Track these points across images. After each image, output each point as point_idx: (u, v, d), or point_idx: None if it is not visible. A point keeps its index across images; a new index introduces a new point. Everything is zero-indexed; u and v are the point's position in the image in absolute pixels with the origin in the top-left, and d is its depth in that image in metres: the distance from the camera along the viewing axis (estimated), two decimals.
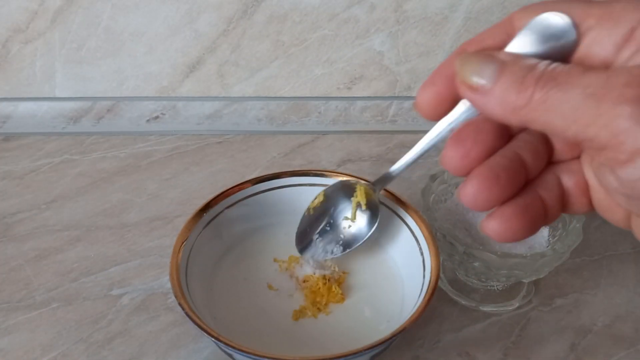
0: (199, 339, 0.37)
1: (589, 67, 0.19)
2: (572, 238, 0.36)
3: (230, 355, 0.32)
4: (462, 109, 0.23)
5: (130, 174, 0.53)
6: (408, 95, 0.59)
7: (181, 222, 0.36)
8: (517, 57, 0.20)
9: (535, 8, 0.21)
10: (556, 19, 0.20)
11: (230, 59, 0.56)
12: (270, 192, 0.40)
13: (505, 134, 0.23)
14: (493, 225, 0.22)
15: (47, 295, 0.41)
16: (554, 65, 0.19)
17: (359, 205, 0.36)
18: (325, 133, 0.59)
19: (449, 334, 0.39)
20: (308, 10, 0.54)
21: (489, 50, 0.22)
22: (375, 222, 0.36)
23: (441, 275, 0.41)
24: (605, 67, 0.20)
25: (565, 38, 0.20)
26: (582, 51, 0.21)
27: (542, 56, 0.20)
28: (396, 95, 0.59)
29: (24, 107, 0.58)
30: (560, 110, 0.19)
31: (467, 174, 0.22)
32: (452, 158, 0.22)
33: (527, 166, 0.22)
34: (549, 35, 0.21)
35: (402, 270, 0.38)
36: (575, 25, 0.20)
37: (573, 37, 0.20)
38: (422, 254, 0.36)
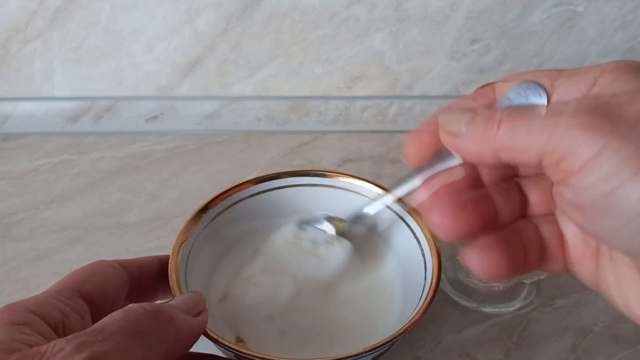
0: (198, 340, 0.36)
1: None
2: None
3: (230, 357, 0.32)
4: (442, 160, 0.26)
5: (129, 174, 0.53)
6: (409, 94, 0.59)
7: (180, 222, 0.36)
8: (489, 108, 0.24)
9: (515, 78, 0.25)
10: (533, 89, 0.24)
11: (230, 58, 0.56)
12: (270, 192, 0.40)
13: (477, 184, 0.26)
14: (475, 255, 0.24)
15: None
16: (515, 107, 0.23)
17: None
18: (325, 133, 0.59)
19: (450, 334, 0.39)
20: (308, 9, 0.54)
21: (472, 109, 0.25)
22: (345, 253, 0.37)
23: (442, 276, 0.40)
24: None
25: (538, 102, 0.23)
26: (553, 103, 0.23)
27: None
28: (397, 94, 0.59)
29: (23, 107, 0.58)
30: (522, 134, 0.21)
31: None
32: (422, 195, 0.25)
33: (497, 206, 0.25)
34: (523, 102, 0.24)
35: (403, 271, 0.38)
36: (546, 90, 0.23)
37: (544, 102, 0.23)
38: (423, 254, 0.36)
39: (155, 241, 0.45)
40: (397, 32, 0.55)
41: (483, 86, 0.26)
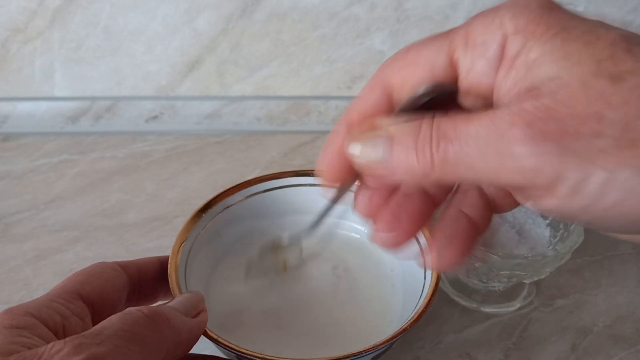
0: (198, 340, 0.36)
1: (470, 112, 0.19)
2: (574, 238, 0.36)
3: (229, 357, 0.32)
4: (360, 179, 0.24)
5: (129, 174, 0.53)
6: None
7: (180, 222, 0.36)
8: (400, 124, 0.20)
9: (401, 61, 0.22)
10: (439, 88, 0.21)
11: (230, 58, 0.56)
12: (270, 192, 0.40)
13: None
14: (432, 258, 0.23)
15: None
16: (438, 120, 0.19)
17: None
18: (325, 133, 0.58)
19: (450, 334, 0.39)
20: (308, 9, 0.54)
21: (373, 117, 0.22)
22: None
23: (442, 276, 0.40)
24: (490, 91, 0.20)
25: (446, 94, 0.21)
26: (464, 84, 0.21)
27: (426, 106, 0.21)
28: None
29: (23, 107, 0.58)
30: (464, 164, 0.19)
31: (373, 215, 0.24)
32: (360, 206, 0.24)
33: (431, 196, 0.24)
34: (430, 97, 0.21)
35: (403, 270, 0.38)
36: (455, 89, 0.21)
37: (454, 90, 0.21)
38: (423, 254, 0.36)
39: (155, 241, 0.45)
40: (397, 32, 0.55)
41: (372, 80, 0.24)
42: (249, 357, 0.29)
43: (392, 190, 0.24)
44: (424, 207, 0.24)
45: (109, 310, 0.27)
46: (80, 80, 0.57)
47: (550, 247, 0.38)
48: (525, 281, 0.39)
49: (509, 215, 0.39)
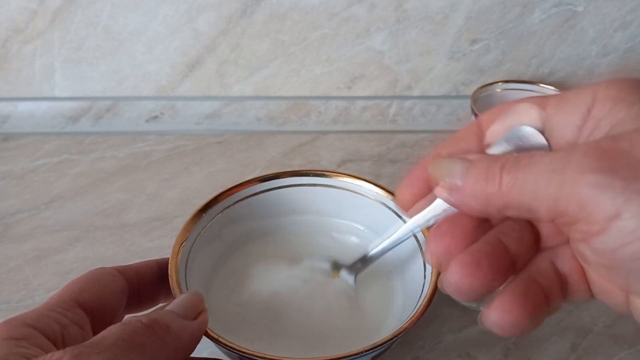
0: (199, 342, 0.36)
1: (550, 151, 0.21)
2: None
3: (230, 356, 0.32)
4: (440, 204, 0.24)
5: (129, 174, 0.53)
6: (409, 94, 0.59)
7: (180, 222, 0.36)
8: (483, 155, 0.22)
9: (498, 111, 0.23)
10: (529, 133, 0.22)
11: (230, 59, 0.56)
12: (270, 192, 0.40)
13: (485, 225, 0.23)
14: (494, 317, 0.21)
15: (46, 296, 0.41)
16: (517, 154, 0.21)
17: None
18: (325, 133, 0.59)
19: (450, 334, 0.39)
20: (308, 9, 0.54)
21: (461, 153, 0.23)
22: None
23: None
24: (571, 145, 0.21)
25: (537, 148, 0.22)
26: (549, 136, 0.22)
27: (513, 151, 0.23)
28: (396, 94, 0.59)
29: (23, 107, 0.58)
30: (529, 190, 0.19)
31: (448, 260, 0.22)
32: (434, 253, 0.23)
33: (510, 252, 0.22)
34: (521, 147, 0.23)
35: (402, 270, 0.38)
36: (547, 139, 0.22)
37: (545, 146, 0.22)
38: (423, 254, 0.36)
39: (155, 241, 0.45)
40: (397, 32, 0.55)
41: (468, 124, 0.24)
42: (249, 356, 0.29)
43: (468, 237, 0.23)
44: (505, 255, 0.22)
45: (108, 316, 0.27)
46: (81, 81, 0.57)
47: None
48: None
49: None
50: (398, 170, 0.53)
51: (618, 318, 0.40)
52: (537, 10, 0.54)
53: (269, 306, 0.36)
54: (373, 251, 0.33)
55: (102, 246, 0.45)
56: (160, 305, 0.29)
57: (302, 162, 0.54)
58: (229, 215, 0.39)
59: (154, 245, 0.45)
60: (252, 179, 0.40)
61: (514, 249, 0.22)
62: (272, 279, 0.38)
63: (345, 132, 0.59)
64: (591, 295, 0.23)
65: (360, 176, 0.39)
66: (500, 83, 0.55)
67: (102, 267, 0.29)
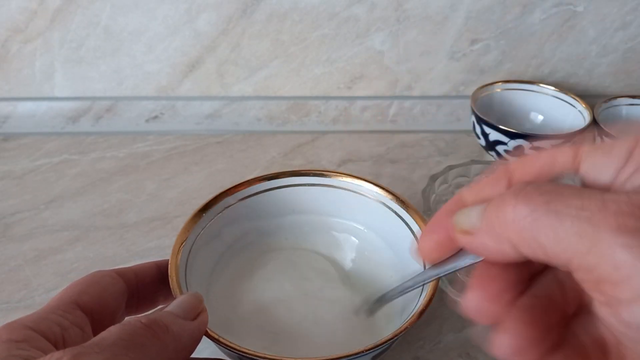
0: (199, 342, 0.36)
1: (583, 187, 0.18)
2: None
3: (230, 356, 0.32)
4: (464, 254, 0.23)
5: (129, 174, 0.53)
6: (408, 94, 0.59)
7: (180, 222, 0.36)
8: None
9: (530, 157, 0.21)
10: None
11: (230, 59, 0.56)
12: (270, 192, 0.40)
13: (521, 276, 0.21)
14: None
15: (46, 296, 0.41)
16: (540, 183, 0.19)
17: None
18: (325, 133, 0.59)
19: (450, 334, 0.39)
20: (308, 9, 0.54)
21: (486, 199, 0.21)
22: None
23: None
24: (607, 189, 0.19)
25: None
26: (584, 179, 0.20)
27: None
28: (396, 94, 0.59)
29: (23, 107, 0.58)
30: (552, 232, 0.17)
31: (493, 319, 0.21)
32: (477, 301, 0.21)
33: (556, 304, 0.20)
34: None
35: (402, 269, 0.38)
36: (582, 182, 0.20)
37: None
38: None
39: (155, 241, 0.45)
40: (397, 32, 0.55)
41: (496, 169, 0.22)
42: (249, 356, 0.29)
43: (509, 291, 0.21)
44: (554, 311, 0.20)
45: (108, 318, 0.27)
46: (81, 81, 0.57)
47: None
48: None
49: None
50: (398, 170, 0.53)
51: None
52: (537, 10, 0.54)
53: (269, 306, 0.36)
54: (392, 292, 0.33)
55: (102, 246, 0.45)
56: (159, 307, 0.29)
57: (302, 162, 0.54)
58: (229, 215, 0.39)
59: (154, 245, 0.45)
60: (252, 179, 0.40)
61: (557, 300, 0.21)
62: (272, 279, 0.38)
63: (345, 132, 0.59)
64: None
65: (360, 176, 0.39)
66: (500, 83, 0.55)
67: (101, 270, 0.29)
